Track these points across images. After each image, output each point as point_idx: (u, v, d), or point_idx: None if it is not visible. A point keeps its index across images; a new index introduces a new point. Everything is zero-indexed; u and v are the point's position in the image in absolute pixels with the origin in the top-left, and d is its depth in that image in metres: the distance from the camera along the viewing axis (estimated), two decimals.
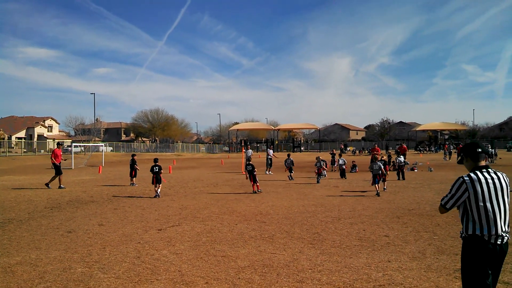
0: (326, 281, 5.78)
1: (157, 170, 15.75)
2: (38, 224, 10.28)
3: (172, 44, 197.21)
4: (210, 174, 27.84)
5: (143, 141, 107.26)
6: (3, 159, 46.52)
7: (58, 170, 19.01)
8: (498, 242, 3.83)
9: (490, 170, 3.98)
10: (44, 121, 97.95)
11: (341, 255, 7.14)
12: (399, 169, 21.27)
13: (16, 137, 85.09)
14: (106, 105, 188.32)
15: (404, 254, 7.11)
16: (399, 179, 21.12)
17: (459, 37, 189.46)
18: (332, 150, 33.38)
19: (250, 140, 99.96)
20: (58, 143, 21.82)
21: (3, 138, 68.21)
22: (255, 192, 16.19)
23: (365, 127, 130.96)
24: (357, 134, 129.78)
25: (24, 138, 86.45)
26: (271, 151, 30.03)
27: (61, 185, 18.97)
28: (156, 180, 15.64)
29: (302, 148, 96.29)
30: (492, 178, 3.91)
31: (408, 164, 31.01)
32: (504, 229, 3.85)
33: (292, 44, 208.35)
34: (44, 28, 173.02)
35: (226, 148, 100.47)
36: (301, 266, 6.48)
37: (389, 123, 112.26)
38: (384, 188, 16.44)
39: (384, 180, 16.44)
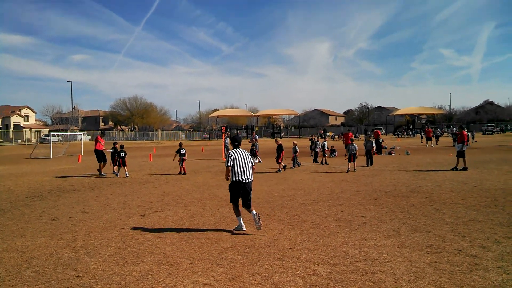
0: (305, 258, 6.07)
1: (123, 155, 18.66)
2: (21, 213, 10.36)
3: (149, 29, 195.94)
4: (191, 161, 27.94)
5: (122, 130, 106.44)
6: None
7: (100, 158, 19.06)
8: None
9: None
10: (20, 110, 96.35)
11: (320, 235, 7.43)
12: (367, 154, 20.71)
13: None
14: (84, 93, 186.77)
15: (380, 233, 7.44)
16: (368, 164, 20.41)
17: (437, 21, 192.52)
18: (312, 136, 33.70)
19: (230, 126, 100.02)
20: (101, 132, 21.66)
21: None
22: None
23: (344, 112, 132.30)
24: (336, 119, 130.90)
25: (0, 128, 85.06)
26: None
27: (102, 173, 18.98)
28: (122, 163, 18.64)
29: (282, 134, 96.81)
30: None
31: (385, 148, 31.59)
32: None
33: (271, 30, 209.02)
34: (18, 14, 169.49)
35: (206, 135, 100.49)
36: (282, 246, 6.76)
37: (367, 108, 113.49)
38: (354, 169, 18.10)
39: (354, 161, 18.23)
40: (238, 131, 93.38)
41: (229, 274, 5.54)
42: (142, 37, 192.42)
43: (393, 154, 28.90)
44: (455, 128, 64.89)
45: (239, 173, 7.90)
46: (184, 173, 19.07)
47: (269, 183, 15.04)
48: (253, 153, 23.57)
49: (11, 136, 65.05)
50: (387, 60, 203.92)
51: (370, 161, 20.30)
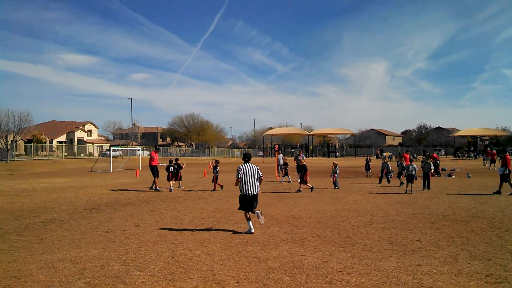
0: (355, 283, 5.86)
1: (171, 169, 19.55)
2: (78, 224, 10.69)
3: (207, 50, 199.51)
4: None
5: (179, 146, 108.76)
6: (45, 162, 48.13)
7: (155, 173, 19.58)
8: None
9: None
10: (83, 125, 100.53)
11: (372, 258, 7.18)
12: (424, 177, 19.43)
13: (57, 141, 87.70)
14: (143, 110, 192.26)
15: (436, 259, 7.09)
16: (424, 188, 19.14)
17: (499, 41, 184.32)
18: (367, 156, 33.06)
19: (285, 145, 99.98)
20: (155, 147, 22.50)
21: (45, 142, 70.53)
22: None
23: (402, 133, 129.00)
24: (393, 139, 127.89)
25: (65, 142, 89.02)
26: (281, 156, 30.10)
27: (157, 187, 19.42)
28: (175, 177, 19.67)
29: (337, 154, 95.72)
30: None
31: (445, 170, 30.48)
32: None
33: (326, 50, 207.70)
34: (83, 35, 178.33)
35: (261, 153, 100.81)
36: (331, 268, 6.57)
37: (426, 128, 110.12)
38: (411, 191, 17.81)
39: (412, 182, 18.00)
40: (293, 149, 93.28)
41: None
42: (199, 57, 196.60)
43: (453, 177, 27.82)
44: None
45: (246, 187, 9.53)
46: (214, 190, 19.32)
47: (322, 202, 14.80)
48: (286, 173, 23.31)
49: (74, 150, 67.88)
50: (446, 80, 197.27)
51: (427, 185, 19.11)
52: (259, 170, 9.80)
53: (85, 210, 13.27)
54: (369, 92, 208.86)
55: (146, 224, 10.72)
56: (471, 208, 13.05)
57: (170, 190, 18.96)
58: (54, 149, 68.04)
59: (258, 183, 9.74)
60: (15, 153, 48.05)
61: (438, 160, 30.14)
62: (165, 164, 19.69)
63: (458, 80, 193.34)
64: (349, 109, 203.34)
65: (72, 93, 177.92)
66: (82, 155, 67.66)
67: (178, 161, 20.37)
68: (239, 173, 9.57)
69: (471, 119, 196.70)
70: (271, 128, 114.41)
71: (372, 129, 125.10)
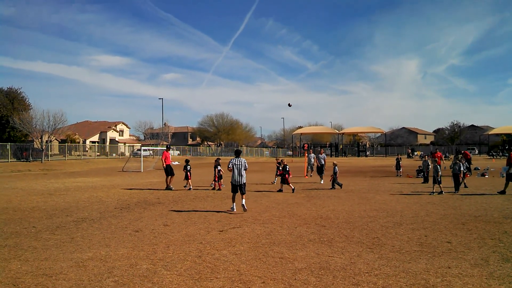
0: (382, 284, 5.79)
1: (189, 168, 20.18)
2: (109, 223, 10.89)
3: (237, 49, 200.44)
4: (272, 178, 28.05)
5: (209, 145, 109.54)
6: (78, 161, 49.20)
7: (168, 172, 20.08)
8: None
9: None
10: (116, 125, 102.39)
11: (400, 260, 7.08)
12: (454, 177, 18.33)
13: (90, 141, 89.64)
14: (174, 110, 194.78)
15: (466, 261, 6.94)
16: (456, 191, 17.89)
17: None
18: (398, 155, 32.58)
19: (314, 144, 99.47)
20: (167, 146, 22.97)
21: (78, 142, 72.11)
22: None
23: (434, 131, 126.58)
24: (425, 138, 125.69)
25: (98, 142, 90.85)
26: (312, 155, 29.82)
27: (170, 186, 19.93)
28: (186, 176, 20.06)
29: (367, 153, 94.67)
30: None
31: (478, 169, 29.78)
32: None
33: (357, 47, 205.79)
34: (117, 37, 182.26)
35: (290, 152, 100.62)
36: (358, 270, 6.51)
37: (459, 126, 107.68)
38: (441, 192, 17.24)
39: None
40: (321, 149, 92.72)
41: None
42: (229, 56, 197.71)
43: (487, 176, 27.19)
44: None
45: (235, 177, 12.84)
46: (219, 189, 19.57)
47: (350, 202, 14.68)
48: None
49: (107, 150, 69.13)
50: (480, 76, 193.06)
51: (456, 186, 17.94)
52: (246, 163, 13.04)
53: (116, 209, 13.51)
54: (401, 90, 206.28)
55: (175, 223, 10.84)
56: (504, 209, 12.73)
57: (189, 189, 19.57)
58: (87, 149, 69.50)
59: (245, 174, 12.94)
60: (49, 153, 49.27)
61: (470, 158, 29.48)
62: (177, 163, 20.06)
63: (493, 76, 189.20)
64: (380, 107, 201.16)
65: (105, 94, 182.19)
66: (114, 155, 68.88)
67: (189, 162, 20.79)
68: (230, 164, 12.83)
69: (506, 116, 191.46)
70: (300, 127, 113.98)
71: (403, 127, 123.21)
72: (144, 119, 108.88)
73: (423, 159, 24.38)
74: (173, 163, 20.65)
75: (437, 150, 31.52)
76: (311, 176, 28.58)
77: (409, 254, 7.50)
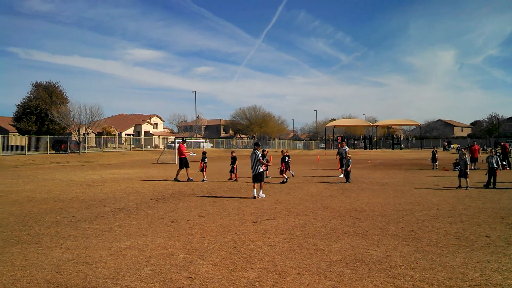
0: (419, 278, 5.72)
1: (206, 160, 20.79)
2: (145, 214, 11.10)
3: (269, 41, 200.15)
4: (305, 170, 28.00)
5: (241, 138, 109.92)
6: (114, 154, 50.18)
7: (183, 164, 20.64)
8: None
9: None
10: (150, 118, 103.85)
11: (437, 253, 6.98)
12: (489, 172, 17.44)
13: (125, 134, 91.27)
14: (207, 103, 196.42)
15: (506, 256, 6.78)
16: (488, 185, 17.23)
17: None
18: (434, 148, 31.96)
19: (347, 137, 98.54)
20: (182, 139, 23.44)
21: (114, 135, 73.56)
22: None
23: (471, 124, 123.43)
24: (462, 130, 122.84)
25: (132, 135, 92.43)
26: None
27: (189, 177, 20.47)
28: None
29: (402, 145, 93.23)
30: None
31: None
32: None
33: (391, 38, 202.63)
34: (150, 31, 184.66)
35: (323, 145, 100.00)
36: (394, 263, 6.45)
37: (497, 118, 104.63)
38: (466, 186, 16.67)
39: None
40: (356, 141, 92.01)
41: None
42: (262, 49, 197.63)
43: None
44: None
45: (251, 167, 14.24)
46: (236, 180, 20.28)
47: (385, 195, 14.51)
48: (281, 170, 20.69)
49: (141, 143, 70.26)
50: None
51: (492, 181, 17.06)
52: (259, 155, 14.27)
53: (151, 200, 13.75)
54: (436, 81, 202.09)
55: (209, 214, 10.97)
56: None
57: (203, 180, 20.06)
58: (122, 141, 70.79)
59: (259, 165, 14.13)
60: (86, 145, 50.42)
61: (508, 151, 28.71)
62: (194, 154, 20.57)
63: None
64: (414, 99, 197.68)
65: (140, 87, 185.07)
66: (149, 147, 69.94)
67: (206, 154, 21.26)
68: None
69: None
70: (333, 120, 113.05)
71: (439, 119, 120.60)
72: (178, 112, 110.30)
73: (460, 151, 23.82)
74: (191, 154, 21.05)
75: (475, 142, 30.72)
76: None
77: (446, 247, 7.37)
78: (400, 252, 7.09)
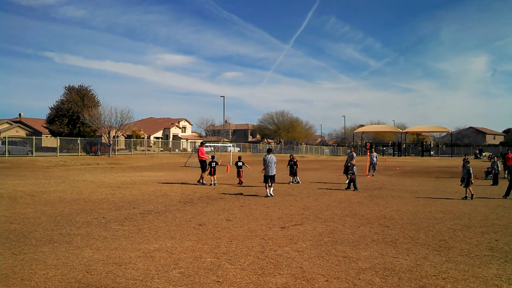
0: None
1: (214, 165, 20.25)
2: (173, 217, 11.20)
3: (298, 47, 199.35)
4: (333, 176, 27.81)
5: (269, 143, 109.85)
6: (143, 156, 50.83)
7: (204, 167, 20.84)
8: None
9: None
10: (178, 122, 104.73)
11: (469, 264, 6.82)
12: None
13: (154, 137, 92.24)
14: (235, 107, 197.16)
15: None
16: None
17: None
18: (465, 156, 31.32)
19: (376, 143, 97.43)
20: (201, 142, 23.67)
21: (143, 138, 74.53)
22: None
23: (504, 131, 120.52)
24: (494, 138, 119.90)
25: (161, 138, 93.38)
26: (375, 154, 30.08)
27: (202, 181, 20.58)
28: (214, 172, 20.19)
29: (432, 153, 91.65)
30: None
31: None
32: None
33: (422, 44, 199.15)
34: (181, 36, 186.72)
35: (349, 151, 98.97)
36: (425, 272, 6.33)
37: None
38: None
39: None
40: (384, 147, 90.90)
41: None
42: (291, 54, 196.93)
43: None
44: None
45: (268, 170, 16.03)
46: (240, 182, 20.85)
47: (415, 203, 14.28)
48: (293, 173, 21.64)
49: (170, 146, 70.94)
50: None
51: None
52: (275, 159, 16.36)
53: (180, 203, 13.86)
54: (468, 88, 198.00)
55: (237, 218, 10.99)
56: None
57: (211, 184, 19.98)
58: (151, 145, 71.65)
59: (275, 168, 16.24)
60: (116, 147, 51.21)
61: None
62: (218, 163, 20.80)
63: None
64: (445, 106, 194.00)
65: (169, 91, 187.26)
66: (177, 150, 70.53)
67: (215, 158, 21.03)
68: (264, 162, 16.22)
69: None
70: (362, 126, 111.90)
71: (470, 127, 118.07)
72: (206, 116, 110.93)
73: (492, 160, 23.27)
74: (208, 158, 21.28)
75: (509, 151, 29.94)
76: (373, 175, 28.09)
77: (479, 258, 7.20)
78: (430, 261, 6.96)
